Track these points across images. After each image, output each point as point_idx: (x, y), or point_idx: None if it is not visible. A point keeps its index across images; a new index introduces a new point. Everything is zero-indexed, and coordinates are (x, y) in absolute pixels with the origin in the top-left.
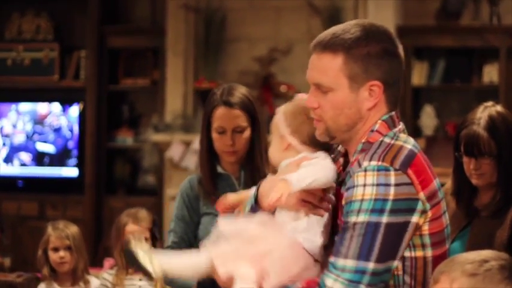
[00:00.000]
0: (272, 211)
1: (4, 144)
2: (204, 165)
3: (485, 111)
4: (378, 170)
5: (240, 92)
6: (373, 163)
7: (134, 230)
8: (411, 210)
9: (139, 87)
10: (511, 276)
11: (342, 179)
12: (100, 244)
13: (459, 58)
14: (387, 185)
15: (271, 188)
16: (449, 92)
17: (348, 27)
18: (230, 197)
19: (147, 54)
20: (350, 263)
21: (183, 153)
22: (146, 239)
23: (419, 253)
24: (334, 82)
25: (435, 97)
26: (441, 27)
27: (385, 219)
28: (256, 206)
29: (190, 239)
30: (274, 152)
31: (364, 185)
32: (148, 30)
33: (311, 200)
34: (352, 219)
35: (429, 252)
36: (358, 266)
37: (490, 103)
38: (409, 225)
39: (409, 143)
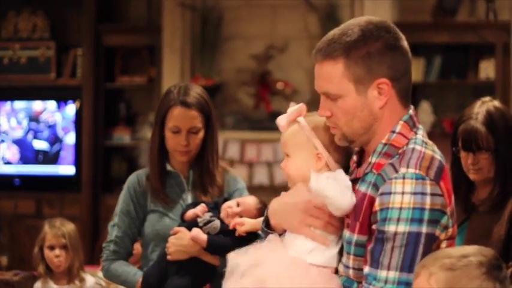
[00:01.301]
0: (282, 233)
1: (3, 141)
2: (154, 163)
3: (482, 106)
4: (416, 179)
5: (196, 92)
6: (411, 170)
7: None
8: (437, 222)
9: (136, 85)
10: (489, 272)
11: (355, 177)
12: (97, 242)
13: (455, 54)
14: (424, 194)
15: (294, 217)
16: (445, 88)
17: (345, 30)
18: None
19: (143, 52)
20: (393, 275)
21: None
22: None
23: None
24: (340, 88)
25: (432, 93)
26: (437, 23)
27: (424, 229)
28: (267, 229)
29: (134, 234)
30: (303, 171)
31: (403, 193)
32: (145, 28)
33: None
34: (391, 228)
35: None
36: (401, 278)
37: (487, 98)
38: (435, 237)
39: (437, 153)
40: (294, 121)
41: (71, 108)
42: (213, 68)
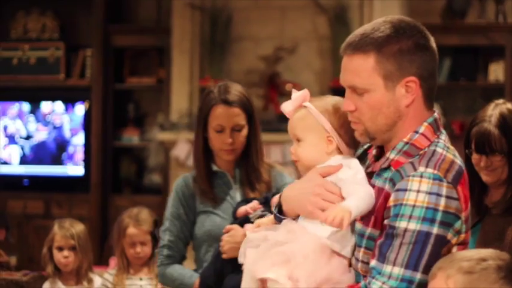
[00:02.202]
0: (296, 217)
1: (10, 142)
2: (200, 164)
3: (496, 109)
4: (434, 179)
5: (237, 89)
6: (430, 170)
7: (134, 233)
8: (451, 226)
9: (145, 86)
10: (508, 276)
11: (371, 171)
12: (106, 243)
13: (465, 56)
14: (439, 195)
15: (308, 201)
16: (455, 91)
17: (376, 26)
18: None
19: (152, 53)
20: (397, 271)
21: (188, 152)
22: (144, 243)
23: None
24: (368, 83)
25: (441, 95)
26: (447, 25)
27: (435, 230)
28: (280, 215)
29: (186, 238)
30: (314, 154)
31: (418, 191)
32: (154, 29)
33: None
34: (403, 224)
35: None
36: (405, 275)
37: (501, 101)
38: (446, 240)
39: (458, 159)
40: (300, 106)
41: (80, 109)
42: (222, 69)
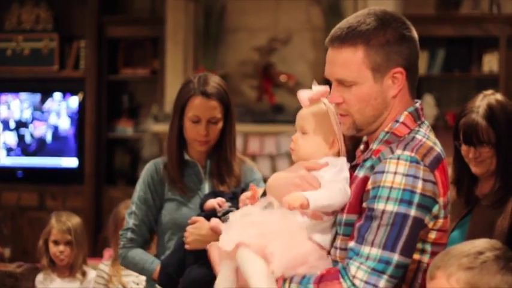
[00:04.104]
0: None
1: (4, 130)
2: (172, 152)
3: (484, 100)
4: (411, 161)
5: (216, 82)
6: (407, 153)
7: None
8: (428, 210)
9: (139, 77)
10: (507, 266)
11: (355, 164)
12: (100, 234)
13: (459, 47)
14: (416, 177)
15: (287, 190)
16: (449, 81)
17: (361, 19)
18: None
19: (146, 44)
20: (375, 252)
21: None
22: None
23: (416, 256)
24: (357, 76)
25: (435, 86)
26: (441, 16)
27: (413, 212)
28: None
29: (151, 223)
30: (313, 151)
31: (395, 173)
32: (148, 20)
33: None
34: (380, 206)
35: (425, 259)
36: (383, 256)
37: (489, 91)
38: (423, 223)
39: (438, 147)
40: (316, 100)
41: (74, 100)
42: (216, 60)
